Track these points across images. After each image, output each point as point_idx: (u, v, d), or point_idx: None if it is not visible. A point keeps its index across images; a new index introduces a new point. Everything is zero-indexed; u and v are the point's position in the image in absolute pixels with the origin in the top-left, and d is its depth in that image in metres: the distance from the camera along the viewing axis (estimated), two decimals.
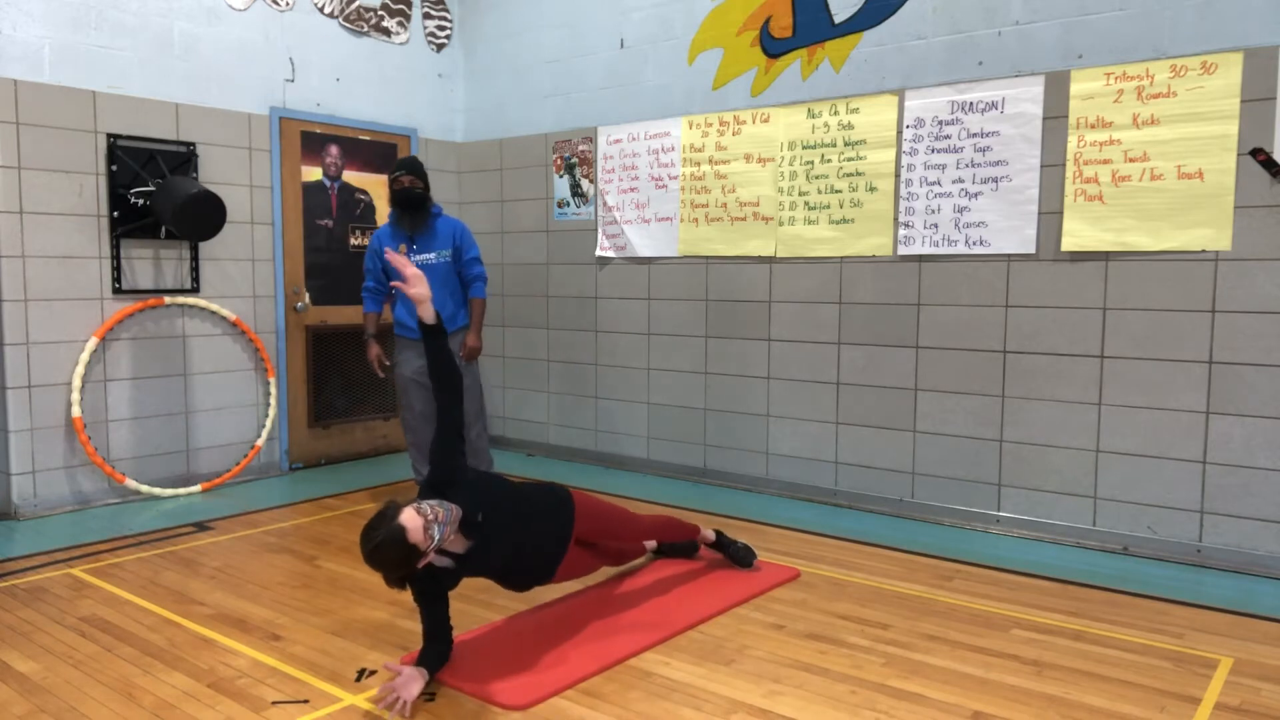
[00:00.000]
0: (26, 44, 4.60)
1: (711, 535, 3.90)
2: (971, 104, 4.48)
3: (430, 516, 2.62)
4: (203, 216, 4.92)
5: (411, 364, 4.68)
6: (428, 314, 2.99)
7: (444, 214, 4.77)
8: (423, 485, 2.95)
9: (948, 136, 4.56)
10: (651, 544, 3.97)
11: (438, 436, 2.99)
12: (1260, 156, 3.78)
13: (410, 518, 2.58)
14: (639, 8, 5.67)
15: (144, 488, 5.04)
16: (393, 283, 3.22)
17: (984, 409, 4.54)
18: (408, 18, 6.33)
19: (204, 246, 5.29)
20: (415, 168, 4.61)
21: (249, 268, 5.55)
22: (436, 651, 2.83)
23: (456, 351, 4.66)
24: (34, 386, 4.69)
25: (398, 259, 3.05)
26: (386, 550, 2.55)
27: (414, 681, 2.66)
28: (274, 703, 2.71)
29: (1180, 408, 4.04)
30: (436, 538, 2.61)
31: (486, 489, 3.00)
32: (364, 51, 6.11)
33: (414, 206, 4.59)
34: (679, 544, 4.00)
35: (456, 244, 4.68)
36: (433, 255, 4.64)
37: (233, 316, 5.42)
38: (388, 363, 4.82)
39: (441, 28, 6.57)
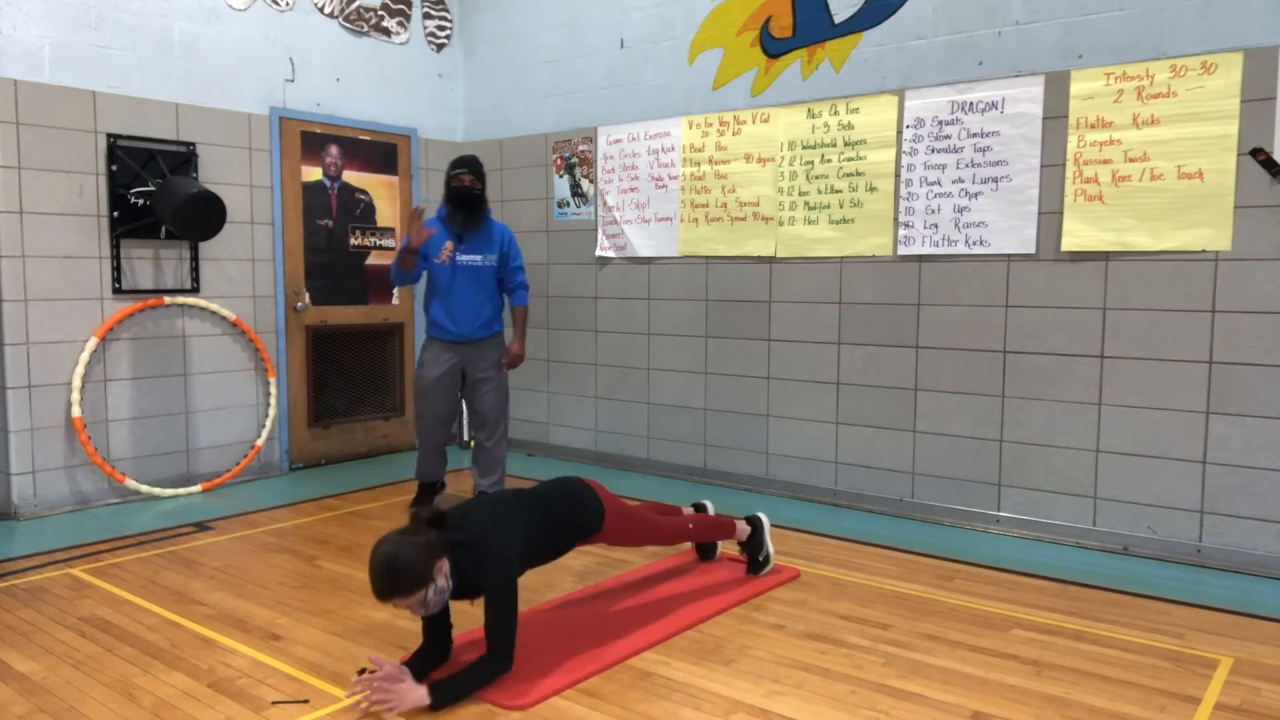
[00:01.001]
0: (26, 44, 4.60)
1: (745, 533, 3.82)
2: (971, 104, 4.47)
3: (432, 595, 2.61)
4: (203, 216, 4.92)
5: (437, 369, 4.64)
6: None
7: (492, 218, 4.72)
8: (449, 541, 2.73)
9: (948, 136, 4.55)
10: None
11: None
12: (1260, 156, 3.78)
13: (428, 591, 2.57)
14: (639, 8, 5.67)
15: (144, 488, 5.04)
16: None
17: (984, 409, 4.54)
18: (408, 18, 6.33)
19: (204, 246, 5.29)
20: (476, 168, 4.59)
21: (249, 268, 5.55)
22: (435, 652, 2.84)
23: (498, 359, 4.65)
24: (34, 386, 4.69)
25: None
26: (376, 578, 2.54)
27: (393, 681, 2.62)
28: (274, 703, 2.71)
29: (1180, 408, 4.04)
30: (411, 607, 2.61)
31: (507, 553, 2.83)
32: (364, 51, 6.11)
33: (471, 206, 4.55)
34: (702, 543, 3.99)
35: (503, 250, 4.65)
36: (479, 257, 4.59)
37: (233, 316, 5.42)
38: (425, 231, 4.37)
39: (441, 28, 6.57)
